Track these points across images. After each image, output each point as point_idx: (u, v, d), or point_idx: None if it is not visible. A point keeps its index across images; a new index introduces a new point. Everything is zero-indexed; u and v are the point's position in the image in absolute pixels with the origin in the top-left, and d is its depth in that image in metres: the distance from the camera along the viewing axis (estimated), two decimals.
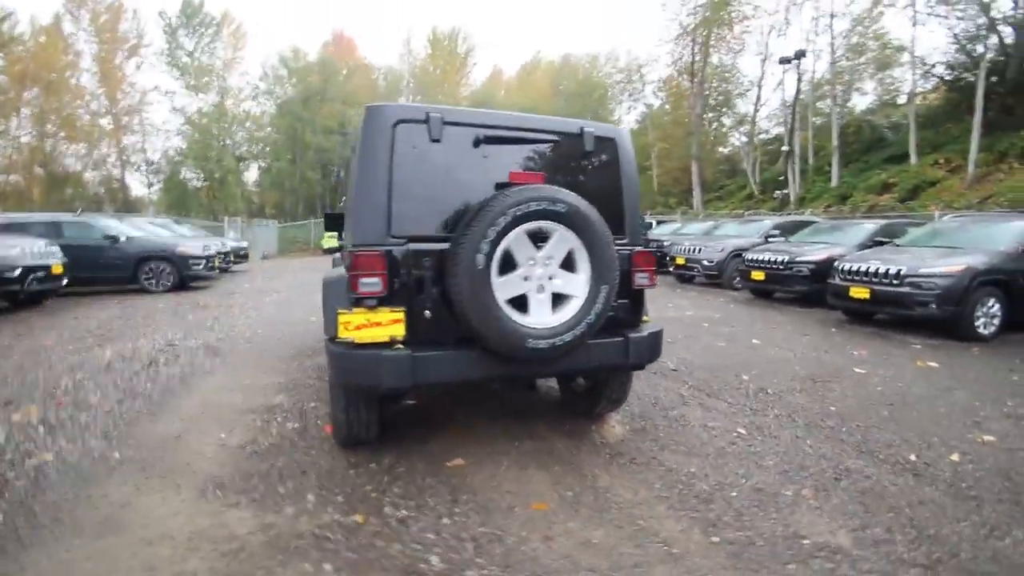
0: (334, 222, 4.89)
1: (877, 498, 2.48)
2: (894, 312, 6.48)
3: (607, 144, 2.76)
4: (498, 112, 2.69)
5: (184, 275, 10.16)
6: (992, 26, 17.39)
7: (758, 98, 29.94)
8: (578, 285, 2.41)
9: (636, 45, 66.54)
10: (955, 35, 18.74)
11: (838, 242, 8.89)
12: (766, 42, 32.14)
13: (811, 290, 8.36)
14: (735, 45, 30.65)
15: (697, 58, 30.51)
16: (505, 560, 1.95)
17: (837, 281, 7.10)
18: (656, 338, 2.82)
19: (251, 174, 39.97)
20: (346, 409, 2.67)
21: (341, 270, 2.79)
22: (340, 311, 2.35)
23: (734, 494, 2.49)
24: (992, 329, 6.04)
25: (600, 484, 2.57)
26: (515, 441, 3.06)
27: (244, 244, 17.33)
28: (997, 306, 6.06)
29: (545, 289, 2.39)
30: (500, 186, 2.43)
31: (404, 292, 2.41)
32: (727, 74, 31.91)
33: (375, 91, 41.79)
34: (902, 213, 14.65)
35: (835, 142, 21.72)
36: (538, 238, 2.36)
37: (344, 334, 2.34)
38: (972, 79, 17.59)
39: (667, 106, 35.74)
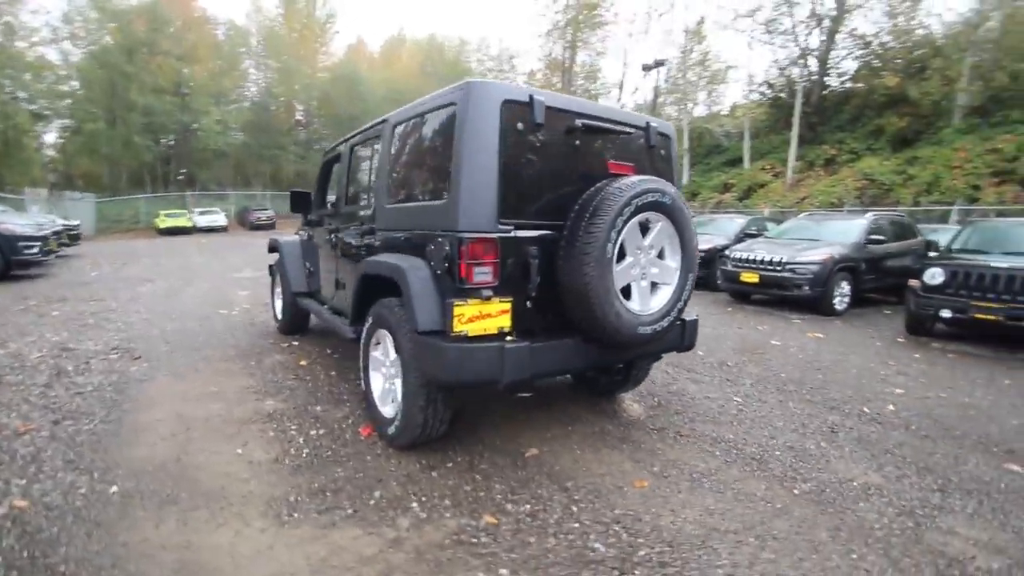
0: (301, 202, 4.37)
1: (870, 444, 3.07)
2: (776, 293, 7.75)
3: (664, 139, 2.93)
4: (587, 101, 2.68)
5: (11, 261, 8.05)
6: (804, 56, 21.26)
7: (619, 99, 32.64)
8: (670, 273, 2.56)
9: (508, 35, 67.57)
10: (776, 60, 22.54)
11: (719, 233, 10.28)
12: (625, 48, 35.23)
13: (701, 275, 9.59)
14: (599, 47, 33.03)
15: (566, 55, 32.26)
16: (660, 536, 2.05)
17: (729, 268, 8.25)
18: (697, 323, 3.10)
19: (53, 136, 32.61)
20: (426, 407, 2.49)
21: (401, 257, 2.54)
22: (456, 303, 2.18)
23: (778, 453, 2.88)
24: (844, 305, 7.58)
25: (671, 457, 2.78)
26: (567, 426, 3.13)
27: (76, 223, 14.15)
28: (848, 287, 7.62)
29: (646, 277, 2.49)
30: (601, 176, 2.46)
31: (511, 281, 2.32)
32: (592, 73, 34.30)
33: (217, 49, 36.66)
34: (739, 210, 17.35)
35: (686, 145, 24.73)
36: (642, 228, 2.44)
37: (459, 327, 2.19)
38: (789, 98, 21.37)
39: None
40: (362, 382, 3.02)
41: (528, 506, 2.25)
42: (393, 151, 2.89)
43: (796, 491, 2.47)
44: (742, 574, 1.86)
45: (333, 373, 4.03)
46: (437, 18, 67.26)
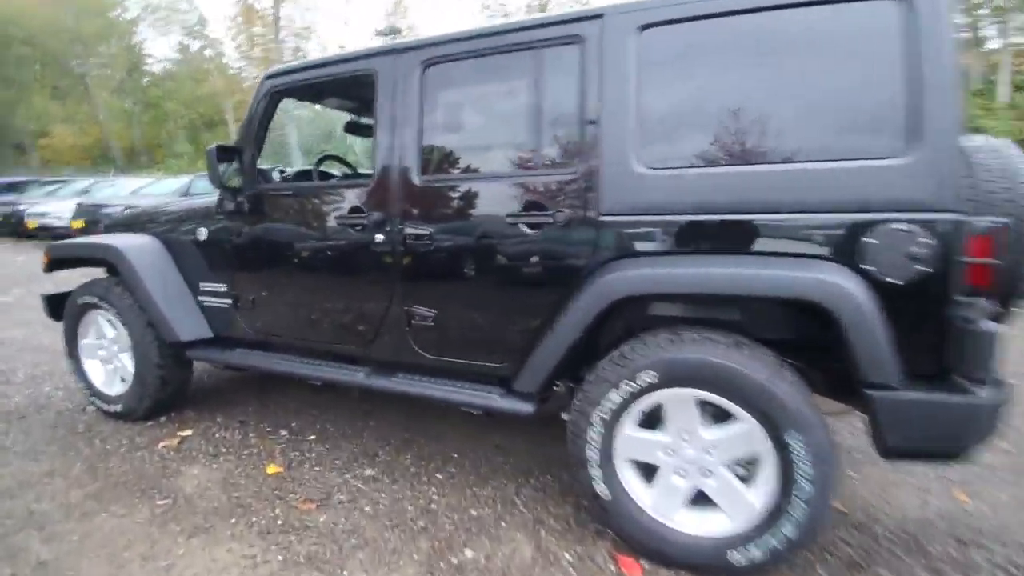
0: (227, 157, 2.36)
1: None
2: None
3: None
4: None
5: None
6: None
7: None
8: None
9: None
10: None
11: None
12: (345, 12, 32.39)
13: None
14: (308, 3, 29.41)
15: (270, 5, 27.54)
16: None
17: None
18: None
19: None
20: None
21: (752, 261, 1.46)
22: (997, 330, 1.34)
23: None
24: None
25: None
26: None
27: None
28: None
29: None
30: None
31: None
32: (303, 31, 30.34)
33: None
34: None
35: None
36: None
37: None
38: None
39: (236, 50, 30.80)
40: (600, 489, 1.72)
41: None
42: (664, 71, 1.61)
43: None
44: None
45: (370, 472, 2.30)
46: None
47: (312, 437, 2.62)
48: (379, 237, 2.06)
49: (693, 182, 1.61)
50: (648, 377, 1.61)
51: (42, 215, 11.05)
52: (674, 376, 1.59)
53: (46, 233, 10.88)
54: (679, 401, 1.64)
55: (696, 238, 1.62)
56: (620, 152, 1.68)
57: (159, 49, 33.86)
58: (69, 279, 3.07)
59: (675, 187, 1.63)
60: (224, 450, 2.50)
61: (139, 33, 33.54)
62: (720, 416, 1.62)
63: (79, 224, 9.39)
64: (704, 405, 1.63)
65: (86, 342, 2.85)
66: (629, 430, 1.71)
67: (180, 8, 31.61)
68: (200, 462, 2.39)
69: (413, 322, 2.07)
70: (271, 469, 2.32)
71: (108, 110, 30.42)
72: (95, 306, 2.72)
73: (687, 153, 1.63)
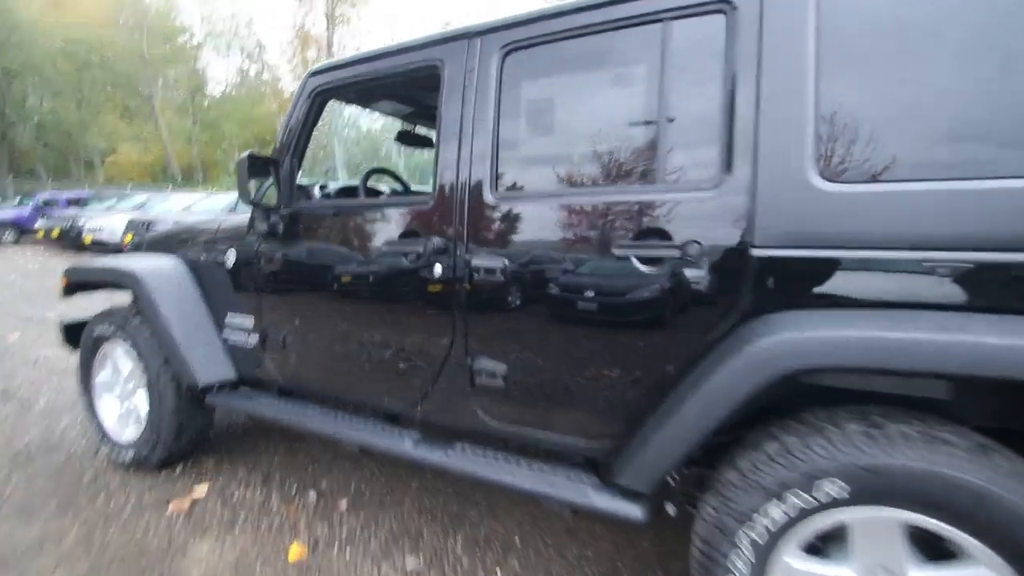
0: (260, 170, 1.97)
1: None
2: None
3: None
4: None
5: None
6: None
7: None
8: None
9: None
10: None
11: None
12: (391, 36, 33.39)
13: None
14: (361, 27, 30.41)
15: (327, 30, 28.59)
16: None
17: None
18: None
19: None
20: None
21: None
22: None
23: None
24: None
25: None
26: None
27: None
28: None
29: None
30: None
31: None
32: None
33: None
34: None
35: None
36: None
37: None
38: None
39: (290, 73, 32.08)
40: None
41: None
42: (861, 44, 1.09)
43: None
44: None
45: (413, 563, 1.83)
46: None
47: (343, 506, 2.18)
48: (438, 269, 1.62)
49: (904, 202, 1.09)
50: (833, 489, 1.09)
51: (97, 230, 11.32)
52: (877, 491, 1.06)
53: (100, 248, 11.14)
54: (877, 525, 1.10)
55: (908, 286, 1.10)
56: (788, 160, 1.18)
57: (219, 72, 35.56)
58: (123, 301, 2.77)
59: (874, 209, 1.12)
60: (242, 517, 2.08)
61: (202, 58, 35.49)
62: (932, 543, 1.08)
63: (129, 239, 9.51)
64: (910, 528, 1.09)
65: (101, 377, 2.52)
66: (793, 559, 1.18)
67: (240, 34, 33.26)
68: (212, 533, 1.98)
69: (477, 380, 1.61)
70: (293, 553, 1.87)
71: (170, 130, 32.04)
72: (112, 338, 2.39)
73: (898, 160, 1.11)
